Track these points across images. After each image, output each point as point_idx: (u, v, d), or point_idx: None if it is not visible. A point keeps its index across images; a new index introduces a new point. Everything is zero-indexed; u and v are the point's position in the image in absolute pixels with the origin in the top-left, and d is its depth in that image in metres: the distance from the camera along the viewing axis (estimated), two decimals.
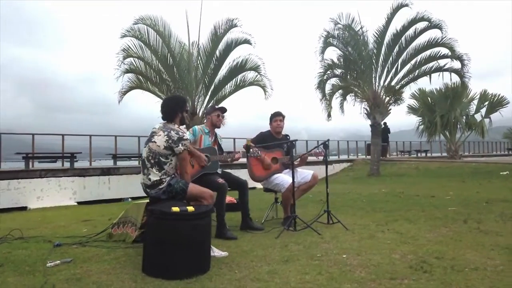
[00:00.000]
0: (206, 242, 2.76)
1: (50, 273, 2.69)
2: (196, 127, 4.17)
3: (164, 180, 3.11)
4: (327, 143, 4.36)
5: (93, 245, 3.55)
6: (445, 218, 4.55)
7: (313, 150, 4.56)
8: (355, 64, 13.35)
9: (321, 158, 4.58)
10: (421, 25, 12.84)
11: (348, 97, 14.58)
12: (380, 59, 13.46)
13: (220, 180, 3.91)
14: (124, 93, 9.08)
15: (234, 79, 9.93)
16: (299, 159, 4.61)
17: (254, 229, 4.12)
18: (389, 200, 6.40)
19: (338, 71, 13.33)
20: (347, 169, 17.33)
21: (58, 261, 2.97)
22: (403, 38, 13.06)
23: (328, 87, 13.35)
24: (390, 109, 13.92)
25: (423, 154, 24.56)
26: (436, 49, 12.94)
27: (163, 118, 3.31)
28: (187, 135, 3.22)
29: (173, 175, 3.18)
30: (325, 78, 13.09)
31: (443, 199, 6.32)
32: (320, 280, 2.45)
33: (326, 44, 12.87)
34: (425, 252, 3.05)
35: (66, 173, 9.51)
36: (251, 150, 4.18)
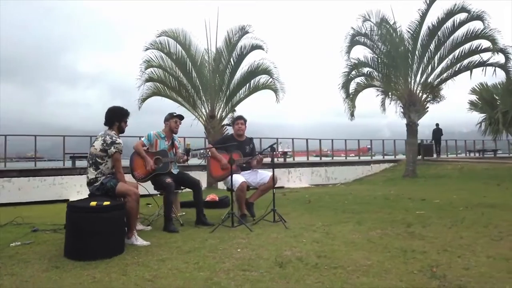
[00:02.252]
0: (115, 232, 3.26)
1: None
2: (152, 132, 4.70)
3: (99, 179, 3.71)
4: (274, 145, 4.63)
5: (61, 232, 4.24)
6: (399, 221, 4.52)
7: (264, 152, 4.84)
8: (389, 61, 12.88)
9: (281, 159, 4.84)
10: (460, 16, 12.00)
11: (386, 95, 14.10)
12: (416, 55, 12.81)
13: (168, 180, 4.38)
14: (143, 100, 10.06)
15: (247, 84, 10.38)
16: (255, 161, 4.93)
17: (205, 225, 4.53)
18: (372, 202, 6.32)
19: (365, 70, 12.99)
20: (388, 170, 16.74)
21: (19, 243, 3.72)
22: (440, 32, 12.30)
23: (352, 86, 13.07)
24: (428, 107, 13.18)
25: (491, 154, 22.47)
26: (476, 42, 11.98)
27: (104, 124, 3.93)
28: (120, 140, 3.76)
29: (108, 175, 3.76)
30: (350, 77, 12.85)
31: (431, 202, 6.09)
32: (188, 269, 2.80)
33: (353, 43, 12.63)
34: (318, 251, 3.21)
35: None
36: (201, 151, 4.63)
